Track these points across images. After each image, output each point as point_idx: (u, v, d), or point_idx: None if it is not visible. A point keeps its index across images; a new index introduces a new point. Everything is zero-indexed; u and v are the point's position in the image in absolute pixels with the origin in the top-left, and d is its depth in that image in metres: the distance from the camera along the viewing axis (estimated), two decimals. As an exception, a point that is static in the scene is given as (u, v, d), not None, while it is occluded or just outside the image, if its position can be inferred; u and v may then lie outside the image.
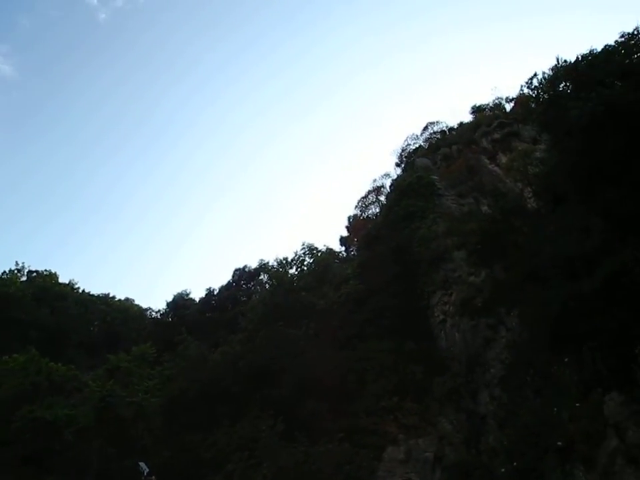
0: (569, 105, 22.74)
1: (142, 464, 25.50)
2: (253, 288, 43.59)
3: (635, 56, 23.18)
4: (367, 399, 24.66)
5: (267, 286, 34.82)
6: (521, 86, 46.65)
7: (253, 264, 46.39)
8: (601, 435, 16.54)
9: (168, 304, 50.29)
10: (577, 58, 23.69)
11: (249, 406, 23.64)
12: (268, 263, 41.84)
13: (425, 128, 53.41)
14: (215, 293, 46.92)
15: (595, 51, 23.62)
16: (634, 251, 20.12)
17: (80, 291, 61.73)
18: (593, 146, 23.91)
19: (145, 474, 25.20)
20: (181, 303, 49.29)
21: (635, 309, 17.95)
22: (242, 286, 45.08)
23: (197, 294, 53.92)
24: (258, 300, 32.41)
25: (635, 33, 23.12)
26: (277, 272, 34.46)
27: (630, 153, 23.41)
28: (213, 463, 22.89)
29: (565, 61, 24.27)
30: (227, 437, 23.45)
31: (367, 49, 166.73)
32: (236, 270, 47.59)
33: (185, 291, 50.75)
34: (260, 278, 43.39)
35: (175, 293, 50.66)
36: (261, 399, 23.75)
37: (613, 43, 23.58)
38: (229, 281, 47.04)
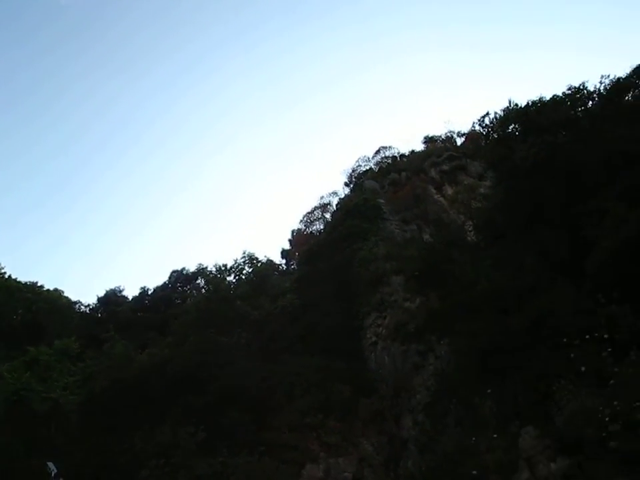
0: (516, 147, 23.73)
1: (50, 464, 24.33)
2: (189, 291, 42.57)
3: (579, 109, 24.51)
4: (291, 414, 24.49)
5: (203, 291, 34.07)
6: (473, 122, 48.53)
7: (192, 267, 45.56)
8: (513, 467, 17.05)
9: (99, 299, 48.56)
10: (528, 103, 24.84)
11: (171, 412, 22.97)
12: (207, 267, 41.06)
13: (377, 151, 54.40)
14: (150, 292, 45.60)
15: (544, 99, 24.82)
16: (562, 291, 21.02)
17: (6, 276, 58.78)
18: (534, 188, 24.98)
19: (53, 475, 24.05)
20: (113, 299, 47.66)
21: (556, 348, 18.68)
22: (178, 288, 43.98)
23: (131, 292, 52.17)
24: (192, 304, 31.68)
25: (581, 87, 24.56)
26: (215, 278, 33.84)
27: (567, 198, 24.58)
28: (127, 468, 22.06)
29: (516, 105, 25.34)
30: (144, 442, 22.68)
31: (330, 65, 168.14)
32: (173, 272, 46.59)
33: (119, 287, 49.10)
34: (197, 282, 42.45)
35: (108, 289, 49.00)
36: (184, 405, 23.14)
37: (560, 94, 24.89)
38: (165, 282, 45.90)
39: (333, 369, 28.33)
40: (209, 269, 39.05)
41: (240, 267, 36.45)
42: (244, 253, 37.43)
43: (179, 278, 44.48)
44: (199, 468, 19.91)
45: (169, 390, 24.48)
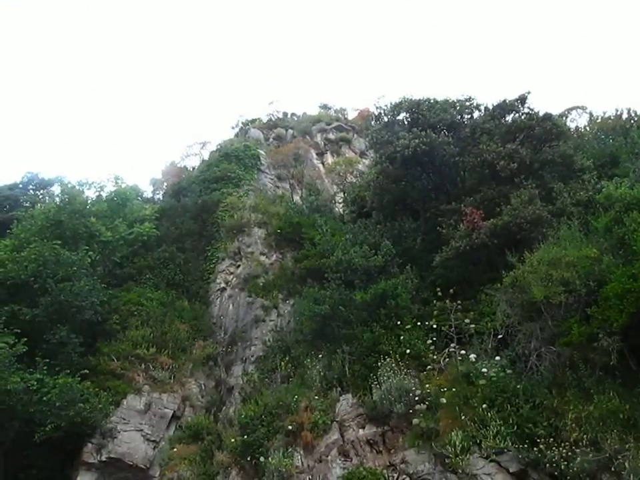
0: (400, 135, 24.75)
1: None
2: (41, 197, 39.00)
3: (466, 117, 26.17)
4: (123, 344, 23.85)
5: (58, 200, 31.36)
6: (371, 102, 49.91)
7: (50, 175, 41.67)
8: (326, 428, 18.36)
9: None
10: (422, 98, 25.90)
11: (-8, 320, 21.34)
12: (65, 178, 38.02)
13: (271, 103, 53.73)
14: None
15: (436, 99, 26.10)
16: (407, 278, 22.68)
17: None
18: (406, 178, 26.36)
19: None
20: (-54, 190, 42.29)
21: (390, 329, 20.19)
22: (29, 191, 40.02)
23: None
24: (41, 210, 29.06)
25: (469, 97, 26.23)
26: (73, 189, 31.46)
27: (434, 194, 26.30)
28: None
29: (412, 96, 26.37)
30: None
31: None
32: (28, 172, 42.53)
33: (-44, 178, 43.55)
34: (52, 189, 39.07)
35: (-56, 177, 43.24)
36: (9, 314, 21.59)
37: (453, 98, 26.35)
38: (15, 182, 41.58)
39: (175, 307, 28.08)
40: (68, 180, 36.13)
41: (102, 184, 34.34)
42: (110, 174, 35.25)
43: (33, 180, 40.46)
44: (12, 381, 18.84)
45: (-6, 295, 22.75)
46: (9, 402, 19.07)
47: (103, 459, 20.13)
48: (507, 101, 25.21)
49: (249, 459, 18.59)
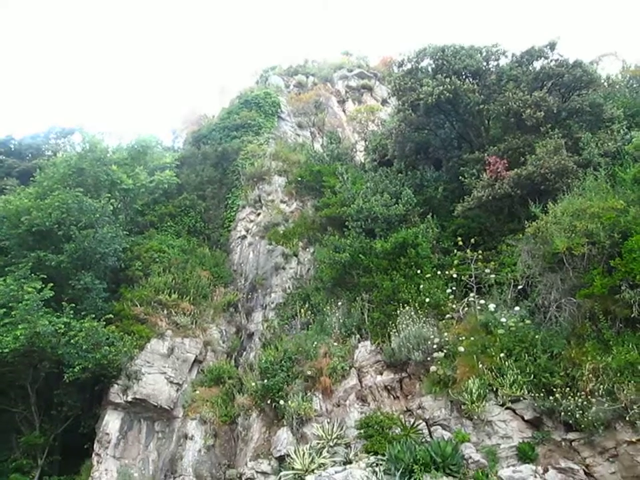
0: (424, 82, 24.11)
1: None
2: (62, 145, 38.99)
3: (492, 64, 25.30)
4: (146, 289, 24.29)
5: (79, 149, 31.34)
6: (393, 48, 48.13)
7: (72, 124, 41.33)
8: (345, 374, 18.70)
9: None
10: (446, 45, 25.02)
11: (20, 265, 21.83)
12: (85, 128, 37.80)
13: (290, 50, 52.71)
14: (16, 138, 40.82)
15: (462, 45, 25.16)
16: (428, 227, 22.59)
17: None
18: (429, 126, 25.87)
19: None
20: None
21: (410, 278, 20.22)
22: (51, 140, 39.99)
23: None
24: (63, 158, 29.06)
25: (496, 44, 25.26)
26: (94, 137, 31.38)
27: (457, 143, 25.79)
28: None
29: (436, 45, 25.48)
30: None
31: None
32: (50, 125, 42.11)
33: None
34: (73, 138, 38.85)
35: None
36: (36, 260, 22.02)
37: (480, 45, 25.38)
38: (37, 134, 41.27)
39: (196, 254, 28.40)
40: (87, 130, 36.00)
41: (122, 133, 34.19)
42: (130, 124, 35.18)
43: (54, 129, 40.34)
44: (41, 324, 19.43)
45: (20, 241, 23.17)
46: (39, 344, 19.79)
47: (129, 399, 20.89)
48: (535, 47, 24.21)
49: (268, 402, 19.14)
